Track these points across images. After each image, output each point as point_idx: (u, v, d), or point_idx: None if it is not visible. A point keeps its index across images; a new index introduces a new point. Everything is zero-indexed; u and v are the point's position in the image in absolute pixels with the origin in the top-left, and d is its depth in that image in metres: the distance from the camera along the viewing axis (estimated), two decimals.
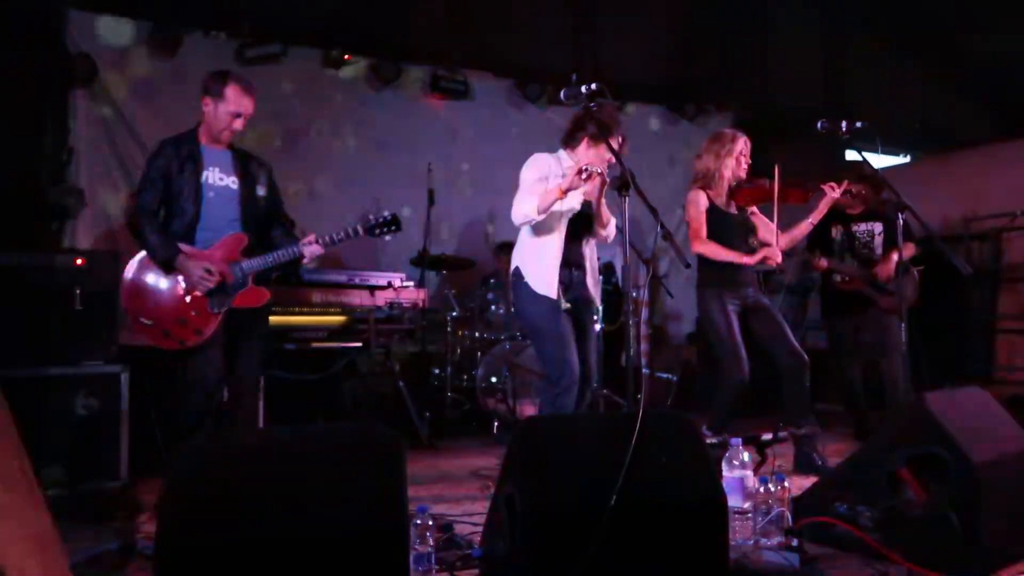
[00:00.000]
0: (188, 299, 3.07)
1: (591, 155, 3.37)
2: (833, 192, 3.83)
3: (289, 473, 1.81)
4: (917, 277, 4.83)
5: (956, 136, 6.94)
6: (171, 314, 3.07)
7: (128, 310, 3.11)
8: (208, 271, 3.04)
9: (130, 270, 3.12)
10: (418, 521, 2.16)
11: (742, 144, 3.92)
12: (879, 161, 6.47)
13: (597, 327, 3.89)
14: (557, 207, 3.25)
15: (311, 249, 3.19)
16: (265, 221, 3.34)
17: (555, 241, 3.37)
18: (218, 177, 3.19)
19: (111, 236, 4.98)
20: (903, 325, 4.38)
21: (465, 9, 5.17)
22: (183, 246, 3.08)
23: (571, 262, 3.44)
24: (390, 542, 1.77)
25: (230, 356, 3.16)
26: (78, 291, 3.39)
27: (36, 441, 3.25)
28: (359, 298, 4.63)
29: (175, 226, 3.12)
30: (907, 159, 7.92)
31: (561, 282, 3.37)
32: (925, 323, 5.56)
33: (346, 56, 5.73)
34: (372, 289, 4.65)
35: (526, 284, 3.39)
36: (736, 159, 3.90)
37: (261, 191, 3.30)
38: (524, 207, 3.26)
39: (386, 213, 3.39)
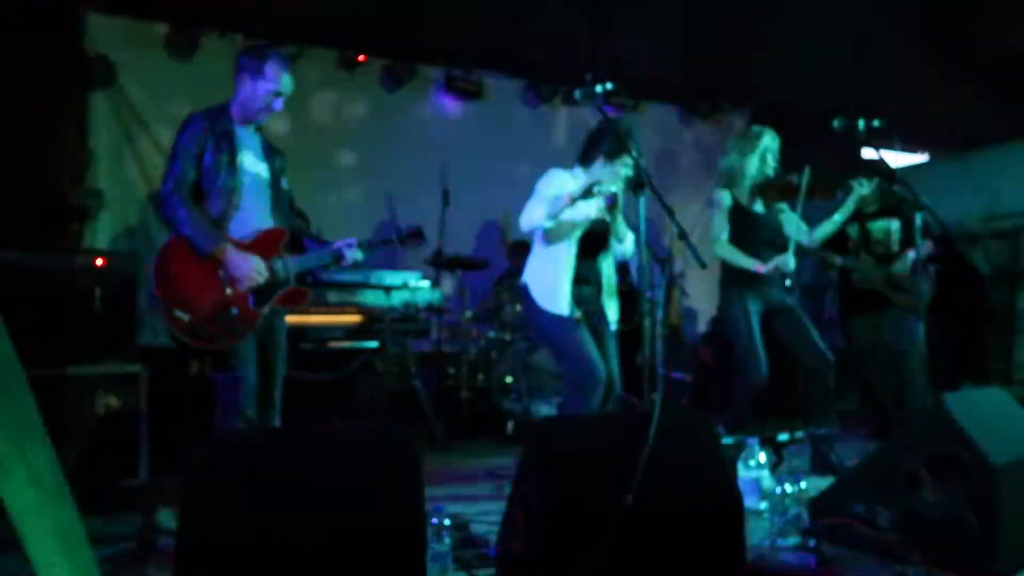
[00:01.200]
0: (229, 292, 2.78)
1: (607, 172, 3.33)
2: (862, 188, 3.80)
3: (308, 472, 1.82)
4: (933, 275, 4.79)
5: (975, 134, 6.87)
6: (210, 309, 2.75)
7: (163, 299, 2.74)
8: (258, 269, 2.81)
9: (163, 259, 2.79)
10: (434, 520, 2.17)
11: (768, 141, 3.89)
12: (897, 159, 6.42)
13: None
14: (570, 216, 3.23)
15: (353, 253, 3.05)
16: (288, 214, 3.14)
17: (566, 254, 3.32)
18: (251, 162, 2.95)
19: (130, 237, 5.03)
20: (920, 324, 4.38)
21: (479, 9, 5.18)
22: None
23: (584, 279, 3.38)
24: (407, 541, 1.78)
25: (260, 357, 2.92)
26: (98, 291, 3.42)
27: (56, 440, 3.32)
28: (375, 298, 4.65)
29: (211, 208, 2.84)
30: (925, 157, 7.85)
31: (576, 294, 3.32)
32: (943, 322, 5.52)
33: (361, 57, 5.76)
34: (388, 289, 4.67)
35: (533, 299, 3.36)
36: (761, 157, 3.86)
37: (284, 183, 3.11)
38: (533, 213, 3.25)
39: (413, 226, 3.31)
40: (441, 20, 5.37)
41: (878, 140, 3.64)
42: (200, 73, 5.31)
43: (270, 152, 3.06)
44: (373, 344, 4.62)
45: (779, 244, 3.86)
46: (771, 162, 3.87)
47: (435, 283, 4.98)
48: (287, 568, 1.70)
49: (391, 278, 4.72)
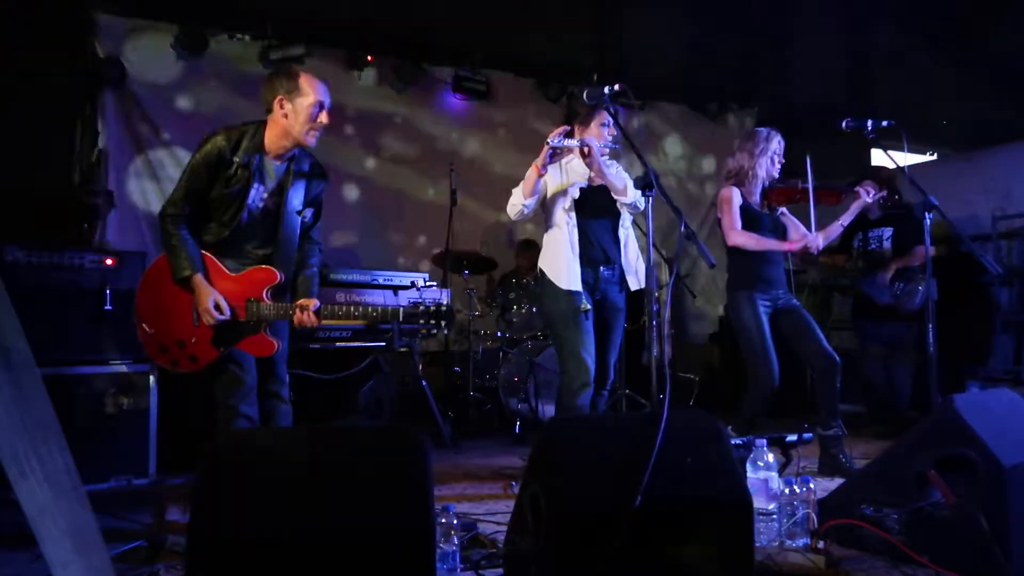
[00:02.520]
0: (195, 322, 2.74)
1: (590, 140, 3.34)
2: (867, 196, 3.80)
3: (317, 471, 1.83)
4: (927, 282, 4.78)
5: (984, 134, 6.84)
6: (172, 332, 2.76)
7: (137, 310, 2.83)
8: (218, 306, 2.70)
9: (151, 268, 2.86)
10: (443, 520, 2.17)
11: (776, 143, 3.88)
12: (905, 159, 6.39)
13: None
14: (553, 190, 3.38)
15: (300, 318, 2.77)
16: (299, 243, 2.97)
17: (565, 234, 3.37)
18: (260, 197, 2.81)
19: (140, 236, 5.05)
20: (909, 328, 4.39)
21: (486, 9, 5.18)
22: (209, 260, 2.77)
23: (596, 259, 3.41)
24: (416, 541, 1.78)
25: (260, 367, 2.87)
26: (108, 290, 3.45)
27: (66, 439, 3.34)
28: (382, 298, 4.65)
29: (204, 236, 2.80)
30: (934, 157, 7.82)
31: (585, 280, 3.36)
32: (953, 323, 5.50)
33: (369, 57, 5.77)
34: (395, 289, 4.67)
35: (549, 282, 3.41)
36: (771, 158, 3.86)
37: (308, 214, 2.96)
38: (513, 198, 3.37)
39: (440, 302, 2.91)
40: (449, 20, 5.37)
41: (887, 140, 3.62)
42: (209, 73, 5.34)
43: (296, 183, 2.87)
44: (381, 344, 4.63)
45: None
46: (778, 164, 3.87)
47: (443, 283, 4.98)
48: (296, 567, 1.71)
49: (399, 278, 4.73)
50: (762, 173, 3.84)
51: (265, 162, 2.82)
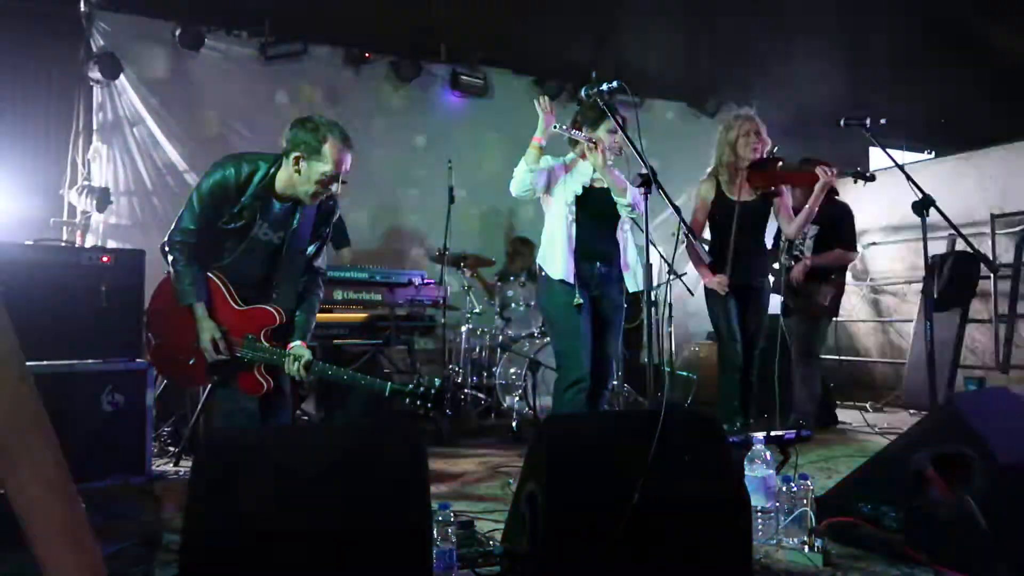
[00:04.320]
0: (195, 346, 2.76)
1: (591, 153, 3.38)
2: (826, 176, 3.82)
3: (313, 469, 1.82)
4: (840, 283, 4.74)
5: (981, 132, 6.84)
6: (175, 347, 2.82)
7: (148, 317, 2.95)
8: (215, 345, 2.72)
9: (165, 279, 2.87)
10: (439, 518, 2.16)
11: (744, 124, 3.91)
12: (903, 157, 6.38)
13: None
14: (556, 187, 3.41)
15: (290, 368, 2.74)
16: (302, 274, 2.95)
17: (563, 229, 3.39)
18: (264, 232, 2.79)
19: (136, 234, 5.04)
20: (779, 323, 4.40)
21: (485, 7, 5.17)
22: (215, 287, 2.79)
23: (593, 256, 3.42)
24: (412, 539, 1.78)
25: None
26: (104, 288, 3.43)
27: (62, 436, 3.32)
28: (380, 295, 4.64)
29: (208, 262, 2.80)
30: (931, 155, 7.82)
31: (579, 275, 3.37)
32: (948, 320, 5.50)
33: (367, 54, 5.76)
34: (393, 286, 4.66)
35: (545, 275, 3.43)
36: (737, 141, 3.91)
37: (311, 248, 2.93)
38: (516, 171, 3.40)
39: (431, 387, 2.74)
40: (447, 17, 5.36)
41: (884, 138, 3.62)
42: (205, 70, 5.32)
43: (303, 222, 2.82)
44: (378, 341, 4.62)
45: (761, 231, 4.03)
46: (752, 145, 3.90)
47: (440, 281, 4.97)
48: (292, 566, 1.70)
49: (396, 275, 4.72)
50: (731, 159, 3.93)
51: (272, 202, 2.77)
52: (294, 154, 2.66)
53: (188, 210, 2.74)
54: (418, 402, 2.73)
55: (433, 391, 2.72)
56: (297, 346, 2.80)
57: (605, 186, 3.39)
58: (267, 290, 2.88)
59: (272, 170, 2.73)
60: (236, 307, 2.80)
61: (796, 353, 4.66)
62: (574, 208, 3.40)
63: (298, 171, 2.68)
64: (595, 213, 3.43)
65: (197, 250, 2.77)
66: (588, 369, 3.29)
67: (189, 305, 2.73)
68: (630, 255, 3.53)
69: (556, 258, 3.38)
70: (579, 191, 3.40)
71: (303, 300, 2.93)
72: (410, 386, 2.74)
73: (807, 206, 3.93)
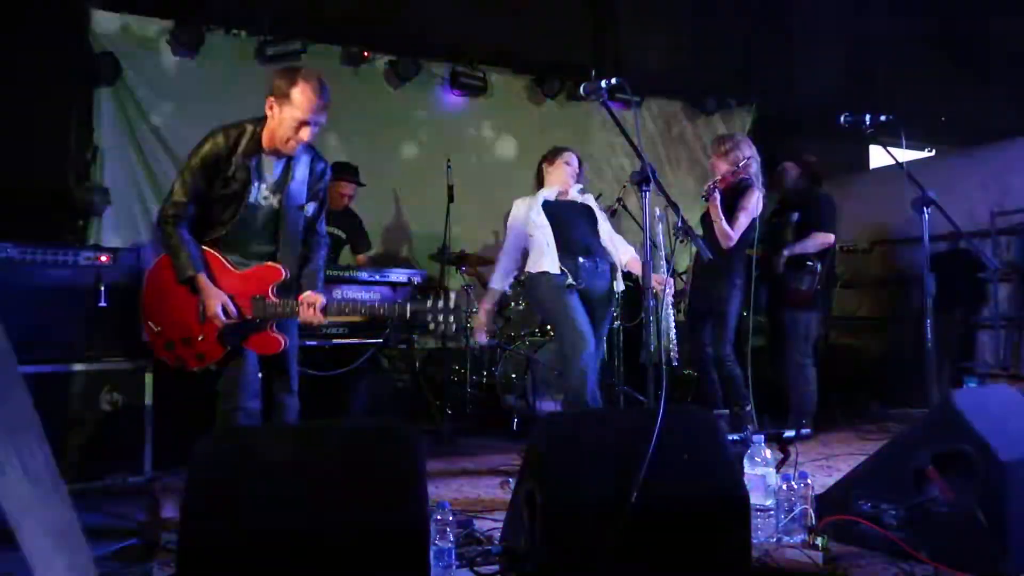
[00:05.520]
0: (201, 321, 2.73)
1: (554, 177, 3.78)
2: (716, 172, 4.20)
3: (310, 468, 1.82)
4: (816, 270, 4.71)
5: (982, 129, 6.83)
6: (179, 330, 2.77)
7: (143, 307, 2.88)
8: (225, 310, 2.70)
9: (155, 266, 2.86)
10: (438, 517, 2.16)
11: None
12: (904, 155, 6.38)
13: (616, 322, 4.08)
14: (525, 224, 3.73)
15: (306, 315, 2.74)
16: (303, 237, 2.95)
17: (542, 235, 3.63)
18: (263, 195, 2.81)
19: (135, 233, 5.03)
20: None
21: (484, 6, 5.17)
22: (211, 256, 2.76)
23: (575, 251, 3.61)
24: (410, 538, 1.77)
25: (267, 361, 2.87)
26: (102, 288, 3.42)
27: (60, 435, 3.34)
28: (379, 295, 4.63)
29: (204, 235, 2.79)
30: (932, 153, 7.81)
31: (565, 265, 3.55)
32: (950, 319, 5.49)
33: (365, 53, 5.75)
34: (392, 286, 4.65)
35: (533, 275, 3.64)
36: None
37: (311, 209, 2.93)
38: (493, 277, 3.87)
39: (450, 304, 2.80)
40: (446, 16, 5.36)
41: (885, 136, 3.61)
42: (204, 69, 5.32)
43: (298, 178, 2.85)
44: (378, 341, 4.61)
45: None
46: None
47: (440, 280, 4.96)
48: (289, 565, 1.70)
49: (395, 275, 4.71)
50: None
51: (264, 160, 2.79)
52: (269, 99, 2.72)
53: (179, 182, 2.74)
54: (439, 317, 2.77)
55: (449, 304, 2.78)
56: (308, 294, 2.79)
57: (570, 198, 3.74)
58: (272, 260, 2.85)
59: (257, 128, 2.77)
60: (237, 271, 2.78)
61: (789, 349, 4.68)
62: (545, 219, 3.65)
63: (273, 117, 2.72)
64: (568, 216, 3.69)
65: (193, 224, 2.75)
66: (591, 338, 3.46)
67: (190, 279, 2.69)
68: (613, 253, 3.75)
69: (542, 257, 3.59)
70: (544, 202, 3.69)
71: (308, 261, 2.92)
72: (428, 303, 2.79)
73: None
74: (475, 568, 2.25)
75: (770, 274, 4.68)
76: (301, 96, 2.67)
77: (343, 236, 5.01)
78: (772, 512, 2.55)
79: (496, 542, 2.41)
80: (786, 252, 4.67)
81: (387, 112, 5.98)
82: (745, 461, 2.68)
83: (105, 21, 5.02)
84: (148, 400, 3.46)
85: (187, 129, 5.20)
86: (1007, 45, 5.81)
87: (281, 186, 2.83)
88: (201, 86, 5.31)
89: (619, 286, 3.73)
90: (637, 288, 5.77)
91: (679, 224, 3.08)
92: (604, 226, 3.80)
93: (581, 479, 2.02)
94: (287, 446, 1.89)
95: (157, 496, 3.19)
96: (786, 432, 3.05)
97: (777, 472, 2.71)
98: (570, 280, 3.49)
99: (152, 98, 5.17)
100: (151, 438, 3.46)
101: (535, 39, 5.83)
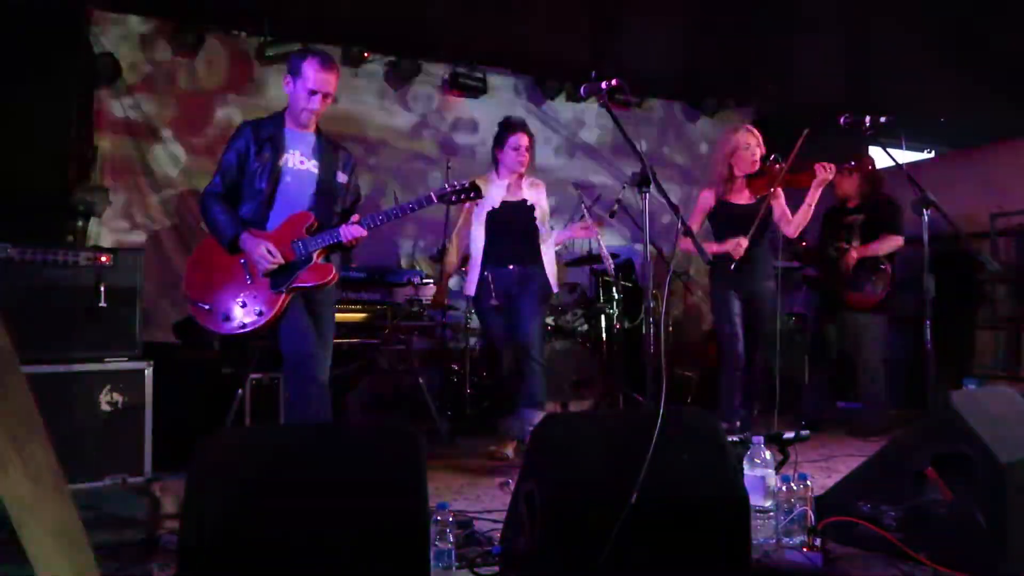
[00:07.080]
0: (249, 280, 2.98)
1: (509, 158, 3.98)
2: (824, 173, 3.83)
3: (310, 469, 1.82)
4: (888, 272, 4.72)
5: (982, 131, 6.83)
6: (231, 297, 3.00)
7: (188, 296, 3.06)
8: (269, 251, 2.94)
9: (198, 249, 3.16)
10: (438, 517, 2.16)
11: (741, 137, 4.02)
12: (904, 156, 6.38)
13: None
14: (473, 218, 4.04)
15: (348, 230, 3.02)
16: (346, 211, 3.23)
17: (479, 240, 3.96)
18: (299, 160, 3.10)
19: (135, 234, 5.04)
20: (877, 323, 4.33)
21: (484, 6, 5.16)
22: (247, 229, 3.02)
23: (500, 257, 3.90)
24: (410, 539, 1.77)
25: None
26: (103, 288, 3.43)
27: (61, 436, 3.32)
28: (379, 295, 4.64)
29: (248, 208, 3.05)
30: (931, 154, 7.80)
31: (490, 279, 3.84)
32: (949, 320, 5.49)
33: (365, 54, 5.75)
34: (391, 286, 4.66)
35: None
36: (736, 155, 4.02)
37: (342, 178, 3.20)
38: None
39: (464, 181, 3.22)
40: (446, 16, 5.35)
41: (885, 137, 3.62)
42: (204, 70, 5.32)
43: (327, 151, 3.17)
44: (377, 341, 4.61)
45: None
46: (750, 157, 4.04)
47: (439, 280, 4.96)
48: (289, 566, 1.70)
49: (395, 275, 4.71)
50: (726, 172, 4.06)
51: (290, 133, 3.11)
52: (286, 77, 3.08)
53: (218, 174, 3.08)
54: (462, 195, 3.18)
55: (467, 184, 3.18)
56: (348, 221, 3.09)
57: (521, 195, 3.96)
58: None
59: (282, 111, 3.15)
60: (271, 231, 3.04)
61: (864, 354, 4.69)
62: (485, 223, 3.93)
63: (289, 93, 3.08)
64: (505, 222, 3.95)
65: (229, 201, 3.06)
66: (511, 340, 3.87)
67: (232, 240, 2.97)
68: (547, 259, 3.97)
69: (470, 277, 3.98)
70: (490, 208, 3.92)
71: (349, 214, 3.18)
72: (447, 187, 3.18)
73: (805, 203, 3.93)
74: (475, 569, 2.25)
75: (833, 276, 4.68)
76: (309, 68, 3.02)
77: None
78: (772, 513, 2.55)
79: (496, 543, 2.41)
80: (855, 253, 4.67)
81: (387, 112, 5.98)
82: (745, 462, 2.68)
83: (105, 21, 5.02)
84: (148, 400, 3.46)
85: (186, 130, 5.22)
86: (1007, 46, 5.81)
87: (311, 155, 3.13)
88: (201, 86, 5.31)
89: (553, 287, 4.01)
90: (637, 288, 5.80)
91: (679, 226, 3.07)
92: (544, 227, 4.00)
93: (581, 479, 2.02)
94: (288, 446, 1.89)
95: (157, 496, 3.19)
96: (786, 434, 3.04)
97: (777, 473, 2.71)
98: (495, 303, 3.88)
99: (151, 99, 5.17)
100: (151, 438, 3.46)
101: (535, 40, 5.82)
